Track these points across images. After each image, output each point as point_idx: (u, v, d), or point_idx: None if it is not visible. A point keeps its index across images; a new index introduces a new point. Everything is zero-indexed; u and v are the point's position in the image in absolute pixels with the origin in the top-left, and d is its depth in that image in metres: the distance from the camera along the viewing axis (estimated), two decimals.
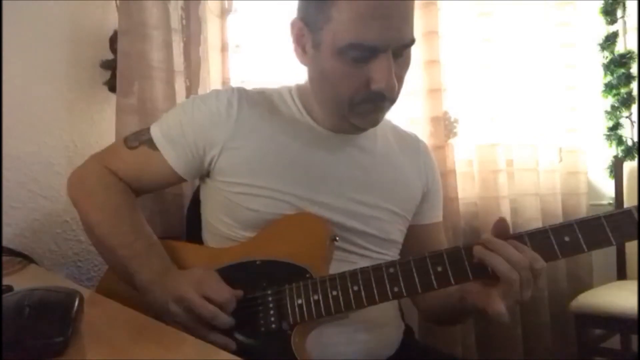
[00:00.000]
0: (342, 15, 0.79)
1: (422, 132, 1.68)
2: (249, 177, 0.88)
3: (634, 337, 1.94)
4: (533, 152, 1.96)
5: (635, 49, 2.25)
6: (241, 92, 0.93)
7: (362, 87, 0.82)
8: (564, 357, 1.95)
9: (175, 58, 1.25)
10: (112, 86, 1.23)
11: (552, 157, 2.03)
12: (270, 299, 0.81)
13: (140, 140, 0.93)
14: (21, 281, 0.88)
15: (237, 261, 0.85)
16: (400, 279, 0.77)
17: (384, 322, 0.92)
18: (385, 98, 0.84)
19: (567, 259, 1.92)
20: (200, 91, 1.30)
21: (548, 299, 1.90)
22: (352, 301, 0.77)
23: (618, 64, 2.28)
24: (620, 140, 2.29)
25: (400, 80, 0.85)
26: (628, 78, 2.26)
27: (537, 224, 1.89)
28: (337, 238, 0.86)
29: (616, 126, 2.30)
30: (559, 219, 1.99)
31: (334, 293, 0.78)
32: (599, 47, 2.32)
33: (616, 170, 2.10)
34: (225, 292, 0.77)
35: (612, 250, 1.96)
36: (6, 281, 0.70)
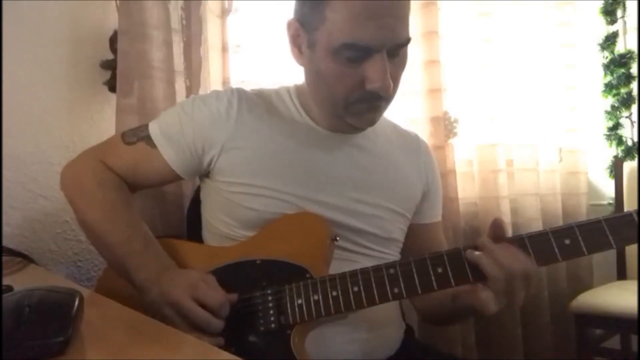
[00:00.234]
0: (337, 15, 0.79)
1: (422, 132, 1.68)
2: (248, 177, 0.88)
3: (634, 337, 1.94)
4: (533, 152, 1.96)
5: (635, 49, 2.25)
6: (241, 93, 0.93)
7: (357, 87, 0.83)
8: (564, 357, 1.95)
9: (176, 58, 1.25)
10: (112, 86, 1.23)
11: (552, 157, 2.03)
12: (270, 298, 0.81)
13: (138, 136, 0.93)
14: (21, 281, 0.88)
15: (236, 260, 0.85)
16: (401, 279, 0.77)
17: (384, 322, 0.92)
18: (381, 98, 0.84)
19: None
20: (201, 91, 1.30)
21: (548, 299, 1.90)
22: (352, 302, 0.77)
23: (618, 64, 2.28)
24: (620, 140, 2.29)
25: (396, 79, 0.84)
26: (628, 78, 2.26)
27: (537, 224, 1.89)
28: (338, 238, 0.86)
29: (616, 126, 2.29)
30: (559, 219, 1.99)
31: (334, 293, 0.78)
32: (599, 47, 2.32)
33: (616, 170, 2.10)
34: (219, 297, 0.77)
35: (612, 251, 1.94)
36: (6, 281, 0.70)
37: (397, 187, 0.97)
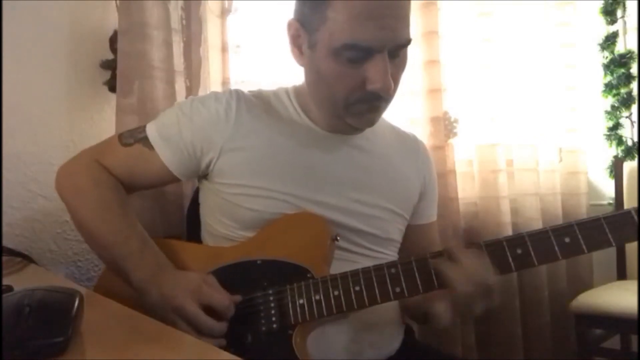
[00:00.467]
0: (338, 15, 0.79)
1: (422, 132, 1.68)
2: (248, 179, 0.88)
3: (634, 337, 1.94)
4: (533, 152, 1.96)
5: (635, 49, 2.25)
6: (239, 94, 0.93)
7: (358, 88, 0.82)
8: (564, 357, 1.95)
9: (176, 58, 1.25)
10: (112, 86, 1.23)
11: (552, 157, 2.03)
12: (271, 298, 0.81)
13: (135, 137, 0.93)
14: (21, 281, 0.88)
15: (237, 261, 0.85)
16: (402, 279, 0.77)
17: (385, 321, 0.92)
18: (381, 98, 0.84)
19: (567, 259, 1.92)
20: (201, 91, 1.30)
21: (548, 299, 1.90)
22: (354, 301, 0.78)
23: (618, 64, 2.28)
24: (620, 140, 2.29)
25: (396, 80, 0.84)
26: (628, 78, 2.26)
27: (537, 224, 1.89)
28: (338, 238, 0.86)
29: (616, 126, 2.29)
30: (559, 219, 1.99)
31: (336, 293, 0.78)
32: (599, 47, 2.32)
33: (616, 170, 2.10)
34: (224, 299, 0.77)
35: (612, 250, 1.95)
36: (6, 281, 0.70)
37: (396, 187, 0.97)
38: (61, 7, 1.22)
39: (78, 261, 1.23)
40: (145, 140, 0.91)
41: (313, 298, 0.78)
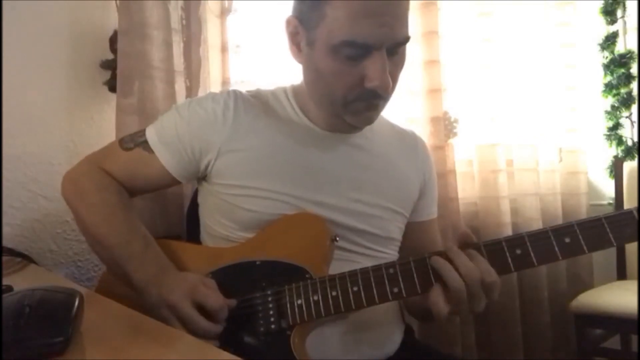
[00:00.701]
0: (336, 13, 0.79)
1: (422, 132, 1.68)
2: (246, 179, 0.88)
3: (634, 337, 1.94)
4: (533, 152, 1.96)
5: (635, 49, 2.25)
6: (237, 95, 0.93)
7: (356, 85, 0.82)
8: (564, 357, 1.95)
9: (176, 58, 1.25)
10: (112, 86, 1.23)
11: (552, 157, 2.03)
12: (270, 299, 0.81)
13: (135, 142, 0.93)
14: (21, 281, 0.88)
15: (236, 261, 0.85)
16: (400, 279, 0.77)
17: (384, 321, 0.92)
18: (379, 96, 0.84)
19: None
20: (201, 91, 1.30)
21: (548, 299, 1.90)
22: (352, 302, 0.77)
23: (618, 64, 2.28)
24: (620, 140, 2.29)
25: (394, 78, 0.84)
26: (628, 78, 2.26)
27: (537, 224, 1.89)
28: (338, 238, 0.86)
29: (616, 126, 2.29)
30: (559, 219, 1.99)
31: (334, 293, 0.78)
32: (599, 47, 2.32)
33: (616, 170, 2.10)
34: (218, 300, 0.78)
35: (612, 250, 1.95)
36: (6, 281, 0.70)
37: (396, 186, 0.97)
38: (61, 7, 1.22)
39: (78, 261, 1.23)
40: (145, 144, 0.92)
41: (311, 298, 0.78)
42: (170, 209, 1.20)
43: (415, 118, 1.72)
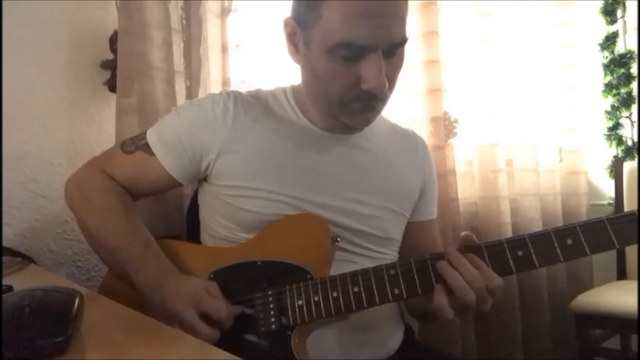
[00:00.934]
0: (332, 13, 0.78)
1: (422, 132, 1.68)
2: (246, 180, 0.88)
3: (634, 337, 1.94)
4: (533, 152, 1.96)
5: (635, 49, 2.25)
6: (237, 96, 0.93)
7: (353, 86, 0.82)
8: (564, 357, 1.95)
9: (175, 58, 1.25)
10: (112, 86, 1.23)
11: (552, 157, 2.03)
12: (270, 299, 0.81)
13: (136, 145, 0.93)
14: (21, 281, 0.88)
15: (237, 261, 0.85)
16: (401, 280, 0.77)
17: (384, 322, 0.92)
18: (376, 97, 0.83)
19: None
20: (201, 91, 1.30)
21: (548, 299, 1.90)
22: (353, 302, 0.77)
23: (618, 64, 2.28)
24: (620, 140, 2.29)
25: (392, 79, 0.84)
26: (628, 78, 2.26)
27: (537, 224, 1.89)
28: (339, 239, 0.86)
29: (616, 126, 2.30)
30: (559, 219, 1.99)
31: (335, 294, 0.78)
32: (599, 47, 2.32)
33: (616, 170, 2.10)
34: (223, 310, 0.78)
35: (612, 251, 1.95)
36: (6, 281, 0.70)
37: (396, 186, 0.97)
38: (61, 7, 1.22)
39: (78, 261, 1.23)
40: (146, 147, 0.92)
41: (312, 299, 0.78)
42: (170, 209, 1.20)
43: (415, 118, 1.72)
